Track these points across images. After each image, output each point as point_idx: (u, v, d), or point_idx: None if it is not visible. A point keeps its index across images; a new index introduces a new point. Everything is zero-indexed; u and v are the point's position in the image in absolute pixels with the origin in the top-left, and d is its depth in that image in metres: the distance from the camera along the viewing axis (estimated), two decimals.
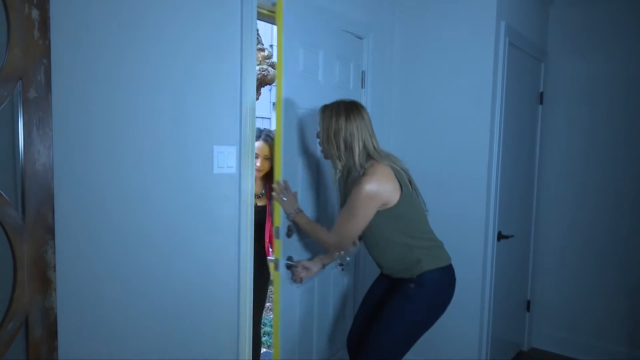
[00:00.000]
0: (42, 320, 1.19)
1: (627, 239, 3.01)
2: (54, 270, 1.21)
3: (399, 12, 2.79)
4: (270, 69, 3.81)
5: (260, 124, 5.58)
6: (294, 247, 2.02)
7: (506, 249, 2.79)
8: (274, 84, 4.11)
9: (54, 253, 1.20)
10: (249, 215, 1.89)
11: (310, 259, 2.03)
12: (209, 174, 1.74)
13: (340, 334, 2.42)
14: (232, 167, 1.83)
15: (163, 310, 1.62)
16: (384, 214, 1.76)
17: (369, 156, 1.78)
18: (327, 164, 2.05)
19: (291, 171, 1.98)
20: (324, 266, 2.04)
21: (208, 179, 1.74)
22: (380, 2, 2.67)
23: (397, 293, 1.82)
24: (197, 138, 1.69)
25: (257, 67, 3.59)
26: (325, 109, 1.82)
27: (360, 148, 1.75)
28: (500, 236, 2.69)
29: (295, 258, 1.98)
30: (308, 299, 2.16)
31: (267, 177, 2.51)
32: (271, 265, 2.41)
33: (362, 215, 1.74)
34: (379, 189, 1.71)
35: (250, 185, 1.90)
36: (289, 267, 1.95)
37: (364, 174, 1.74)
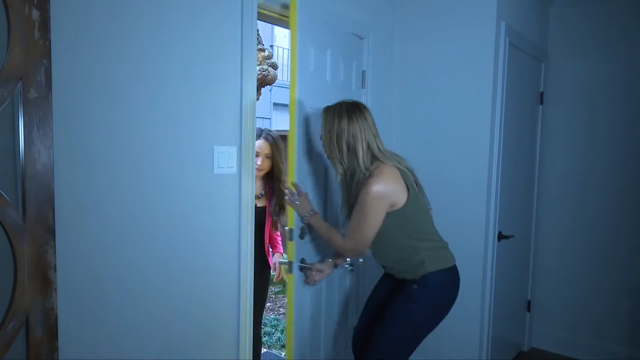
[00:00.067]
0: (43, 321, 1.19)
1: (627, 239, 3.01)
2: (55, 271, 1.21)
3: (399, 12, 2.79)
4: (270, 69, 3.81)
5: (261, 124, 5.58)
6: (306, 249, 2.02)
7: (507, 249, 2.79)
8: (274, 84, 4.11)
9: (55, 253, 1.20)
10: (249, 216, 1.89)
11: (321, 261, 2.02)
12: (210, 174, 1.74)
13: (343, 334, 2.42)
14: (233, 167, 1.82)
15: (163, 310, 1.62)
16: (390, 216, 1.75)
17: (374, 157, 1.76)
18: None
19: (302, 172, 1.97)
20: (336, 266, 2.04)
21: (208, 179, 1.74)
22: (380, 2, 2.67)
23: (400, 294, 1.82)
24: (198, 138, 1.69)
25: (257, 67, 3.59)
26: (328, 110, 1.80)
27: (364, 150, 1.74)
28: (500, 236, 2.69)
29: (307, 259, 1.98)
30: (317, 300, 2.16)
31: (267, 177, 2.51)
32: (282, 268, 2.41)
33: (374, 218, 1.72)
34: (386, 189, 1.70)
35: (251, 186, 1.90)
36: (301, 269, 1.95)
37: (370, 175, 1.72)
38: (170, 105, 1.59)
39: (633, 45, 2.94)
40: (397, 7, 2.78)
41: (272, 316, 4.02)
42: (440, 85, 2.65)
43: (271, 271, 2.59)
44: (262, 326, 3.20)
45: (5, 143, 1.17)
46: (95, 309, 1.42)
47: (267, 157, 2.44)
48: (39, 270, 1.17)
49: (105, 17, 1.39)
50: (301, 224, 1.94)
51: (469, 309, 2.58)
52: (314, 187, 2.10)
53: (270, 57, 3.93)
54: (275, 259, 2.58)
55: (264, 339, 3.44)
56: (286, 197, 1.89)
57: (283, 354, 3.38)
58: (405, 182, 1.75)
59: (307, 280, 1.97)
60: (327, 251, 2.07)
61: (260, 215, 2.40)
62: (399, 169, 1.76)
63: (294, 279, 1.92)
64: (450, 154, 2.63)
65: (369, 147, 1.75)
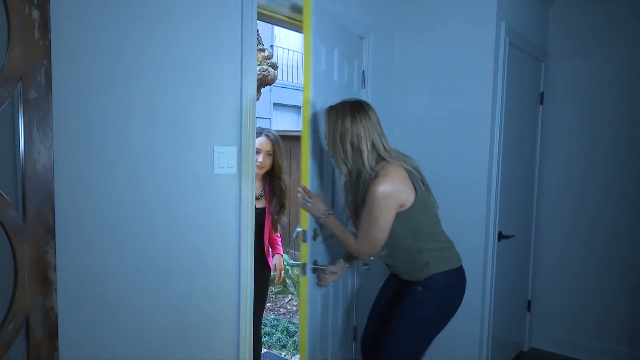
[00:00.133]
0: (43, 321, 1.19)
1: (627, 239, 3.01)
2: (55, 271, 1.21)
3: (399, 12, 2.79)
4: (270, 69, 3.82)
5: (261, 124, 5.58)
6: (318, 250, 2.01)
7: (507, 249, 2.79)
8: (274, 84, 4.11)
9: (55, 253, 1.20)
10: (249, 216, 1.89)
11: (332, 262, 2.01)
12: (210, 175, 1.74)
13: (346, 333, 2.42)
14: (233, 167, 1.82)
15: (163, 310, 1.62)
16: (397, 217, 1.71)
17: (379, 157, 1.72)
18: None
19: (314, 171, 1.96)
20: (347, 267, 2.02)
21: (208, 180, 1.74)
22: (380, 2, 2.67)
23: (405, 296, 1.80)
24: (198, 138, 1.69)
25: (257, 67, 3.60)
26: (331, 110, 1.77)
27: (369, 149, 1.70)
28: (500, 236, 2.69)
29: (319, 261, 1.97)
30: (325, 302, 2.16)
31: (267, 177, 2.51)
32: (293, 270, 2.40)
33: (384, 218, 1.68)
34: (393, 189, 1.67)
35: (251, 186, 1.89)
36: (314, 270, 1.93)
37: (375, 175, 1.68)
38: (170, 105, 1.59)
39: (633, 45, 2.94)
40: (397, 7, 2.78)
41: (272, 316, 4.02)
42: (440, 85, 2.65)
43: (271, 272, 2.59)
44: (262, 326, 3.21)
45: (5, 143, 1.17)
46: (95, 309, 1.42)
47: (269, 154, 2.43)
48: (39, 271, 1.17)
49: (105, 17, 1.39)
50: (314, 225, 1.92)
51: (469, 308, 2.57)
52: (324, 186, 2.09)
53: (270, 57, 3.94)
54: (275, 260, 2.58)
55: (264, 339, 3.44)
56: (299, 200, 1.86)
57: (283, 354, 3.39)
58: (412, 182, 1.72)
59: (321, 283, 1.94)
60: (338, 252, 2.05)
61: (259, 217, 2.39)
62: (405, 168, 1.73)
63: (307, 281, 1.89)
64: (450, 154, 2.63)
65: (373, 146, 1.71)
